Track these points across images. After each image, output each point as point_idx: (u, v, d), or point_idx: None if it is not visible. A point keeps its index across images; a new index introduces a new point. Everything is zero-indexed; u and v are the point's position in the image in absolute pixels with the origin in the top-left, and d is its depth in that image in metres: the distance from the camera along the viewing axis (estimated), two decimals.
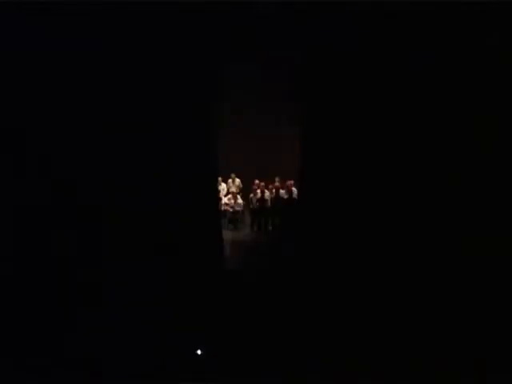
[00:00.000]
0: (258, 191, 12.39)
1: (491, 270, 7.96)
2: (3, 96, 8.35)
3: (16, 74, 8.32)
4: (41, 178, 8.56)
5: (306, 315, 7.38)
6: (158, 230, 8.71)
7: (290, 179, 12.49)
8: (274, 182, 12.69)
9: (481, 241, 8.04)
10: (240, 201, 12.70)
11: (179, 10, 8.61)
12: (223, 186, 13.40)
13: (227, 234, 12.21)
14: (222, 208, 12.73)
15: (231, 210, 12.64)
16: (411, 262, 8.29)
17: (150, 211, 8.72)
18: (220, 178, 13.54)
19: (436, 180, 8.52)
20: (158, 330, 7.06)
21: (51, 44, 8.38)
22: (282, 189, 12.40)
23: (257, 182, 12.58)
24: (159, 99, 8.87)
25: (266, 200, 12.27)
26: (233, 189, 13.28)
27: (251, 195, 12.42)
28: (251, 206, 12.38)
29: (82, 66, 8.49)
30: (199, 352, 6.67)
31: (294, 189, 12.26)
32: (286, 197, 12.20)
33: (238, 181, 13.52)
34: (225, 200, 12.81)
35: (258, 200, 12.28)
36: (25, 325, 7.21)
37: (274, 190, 12.38)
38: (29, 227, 8.39)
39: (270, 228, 12.33)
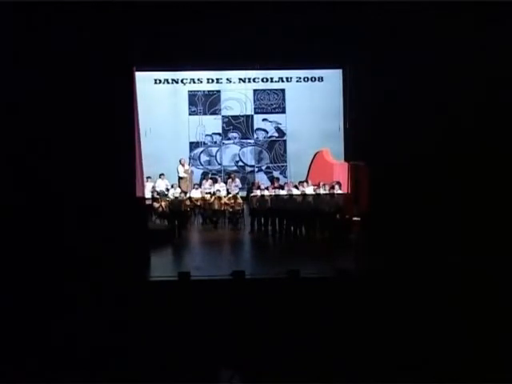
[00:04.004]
0: (258, 191, 12.39)
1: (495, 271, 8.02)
2: None
3: None
4: None
5: (306, 315, 7.40)
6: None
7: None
8: (274, 182, 12.70)
9: None
10: (240, 201, 12.69)
11: None
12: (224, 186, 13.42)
13: (227, 234, 12.23)
14: (222, 208, 12.74)
15: (231, 209, 12.63)
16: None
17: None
18: (219, 178, 13.58)
19: None
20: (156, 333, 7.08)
21: None
22: (282, 189, 12.40)
23: (257, 181, 12.58)
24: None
25: (266, 200, 12.26)
26: (232, 188, 13.28)
27: (251, 195, 12.41)
28: (251, 206, 12.37)
29: None
30: None
31: (293, 189, 12.27)
32: (286, 197, 12.20)
33: (237, 181, 13.53)
34: (225, 200, 12.80)
35: (258, 200, 12.27)
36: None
37: (273, 190, 12.37)
38: None
39: (270, 228, 12.32)
